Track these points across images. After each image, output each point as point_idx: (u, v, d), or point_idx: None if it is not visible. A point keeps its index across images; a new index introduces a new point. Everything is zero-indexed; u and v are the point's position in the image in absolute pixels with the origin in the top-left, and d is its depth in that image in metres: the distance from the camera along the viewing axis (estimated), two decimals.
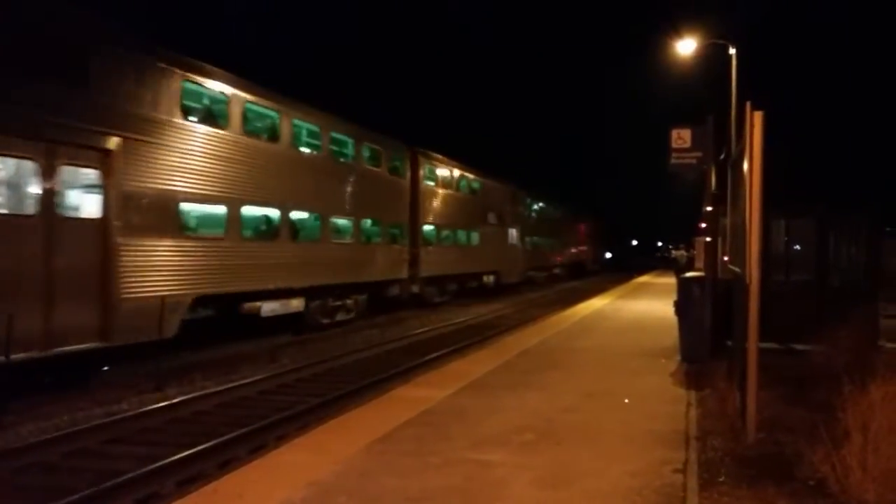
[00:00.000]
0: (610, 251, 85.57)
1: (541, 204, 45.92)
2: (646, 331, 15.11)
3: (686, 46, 22.14)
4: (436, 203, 26.58)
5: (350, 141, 20.13)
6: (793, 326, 10.18)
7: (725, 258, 11.71)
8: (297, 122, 17.28)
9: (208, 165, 13.76)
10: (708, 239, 12.56)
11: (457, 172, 29.26)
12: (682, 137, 11.78)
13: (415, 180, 24.65)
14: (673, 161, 11.80)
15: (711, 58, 22.50)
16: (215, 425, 9.22)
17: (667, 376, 9.78)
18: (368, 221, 21.04)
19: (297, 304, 16.90)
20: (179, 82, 12.97)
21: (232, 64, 14.95)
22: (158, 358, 12.81)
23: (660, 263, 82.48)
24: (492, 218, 32.99)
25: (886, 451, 4.57)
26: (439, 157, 27.35)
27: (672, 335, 11.75)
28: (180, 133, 12.94)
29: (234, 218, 14.47)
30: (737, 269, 7.42)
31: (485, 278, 32.30)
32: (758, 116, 6.07)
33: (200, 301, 13.48)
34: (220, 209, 14.23)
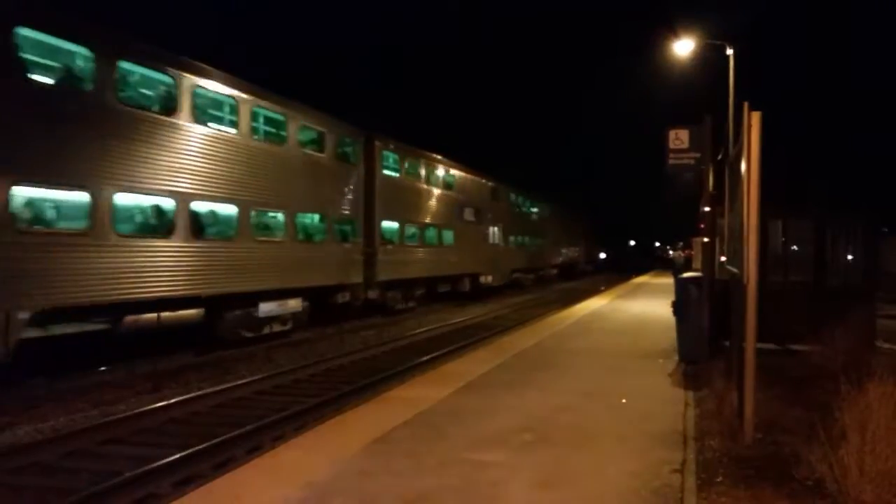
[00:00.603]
0: (605, 251, 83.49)
1: (527, 201, 42.90)
2: (643, 331, 15.12)
3: (684, 47, 22.17)
4: (398, 196, 23.16)
5: (281, 119, 16.81)
6: (790, 327, 10.19)
7: (723, 258, 11.71)
8: (202, 90, 14.02)
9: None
10: (705, 239, 12.55)
11: (426, 163, 25.83)
12: (679, 138, 11.78)
13: (371, 170, 21.14)
14: (670, 161, 11.79)
15: (709, 58, 22.53)
16: (212, 426, 9.21)
17: (664, 376, 9.78)
18: (308, 216, 18.19)
19: (193, 314, 13.54)
20: None
21: None
22: (155, 359, 12.81)
23: (657, 264, 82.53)
24: (469, 214, 29.76)
25: (884, 451, 4.57)
26: (403, 145, 24.03)
27: (670, 335, 11.76)
28: None
29: (102, 208, 11.35)
30: (734, 270, 7.42)
31: (462, 281, 29.27)
32: (755, 117, 6.07)
33: (49, 314, 10.62)
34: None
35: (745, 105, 6.19)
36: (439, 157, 27.19)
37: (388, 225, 22.36)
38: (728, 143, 13.14)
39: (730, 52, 21.46)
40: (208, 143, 14.04)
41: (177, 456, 7.57)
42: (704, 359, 9.97)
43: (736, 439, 6.23)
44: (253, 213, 15.30)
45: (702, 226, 17.85)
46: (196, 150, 13.66)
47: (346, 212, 19.76)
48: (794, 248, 12.31)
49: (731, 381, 7.28)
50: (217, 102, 15.24)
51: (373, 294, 21.09)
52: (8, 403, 9.96)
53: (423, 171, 25.53)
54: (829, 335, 8.84)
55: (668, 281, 34.35)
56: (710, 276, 10.76)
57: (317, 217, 18.50)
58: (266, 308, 15.92)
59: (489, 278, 32.24)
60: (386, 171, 22.40)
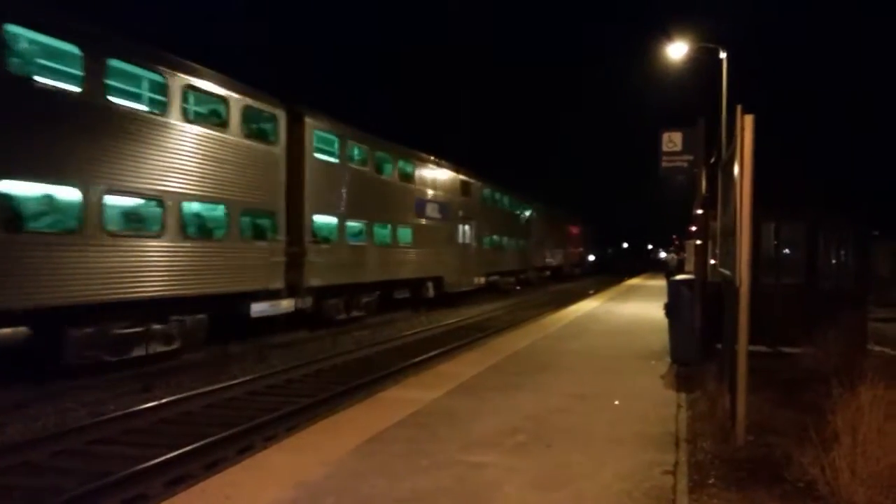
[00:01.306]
0: (594, 254, 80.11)
1: (505, 198, 38.80)
2: (636, 333, 15.14)
3: (677, 50, 22.24)
4: (338, 187, 19.48)
5: (157, 80, 13.26)
6: (782, 329, 10.21)
7: (712, 261, 11.74)
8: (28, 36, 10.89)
9: None
10: (698, 242, 12.58)
11: (377, 149, 22.15)
12: (672, 140, 11.80)
13: (298, 152, 17.32)
14: (664, 164, 11.82)
15: (703, 61, 22.60)
16: (203, 426, 9.18)
17: (657, 378, 9.79)
18: (202, 206, 14.43)
19: (8, 334, 10.14)
20: None
21: None
22: (146, 359, 12.75)
23: (649, 266, 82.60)
24: (433, 211, 26.01)
25: (875, 453, 4.59)
26: (346, 125, 20.17)
27: (662, 337, 11.78)
28: None
29: None
30: (727, 272, 7.44)
31: (424, 286, 25.72)
32: (748, 119, 6.08)
33: None
34: None
35: (738, 108, 6.21)
36: (395, 143, 23.80)
37: (324, 220, 18.90)
38: (721, 146, 13.17)
39: (723, 55, 21.53)
40: (29, 99, 10.63)
41: (168, 456, 7.54)
42: (697, 361, 9.98)
43: (728, 441, 6.23)
44: (108, 199, 11.75)
45: (694, 228, 17.90)
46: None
47: (261, 203, 15.91)
48: (787, 251, 12.35)
49: (724, 383, 7.29)
50: (49, 51, 11.55)
51: (302, 303, 17.42)
52: (2, 401, 9.92)
53: (372, 159, 21.86)
54: (821, 338, 8.87)
55: (660, 283, 34.41)
56: (702, 278, 10.78)
57: (218, 208, 14.67)
58: (138, 324, 12.58)
59: (458, 282, 28.62)
60: (320, 156, 18.68)
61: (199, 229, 14.36)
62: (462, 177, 30.00)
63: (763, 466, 5.59)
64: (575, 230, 63.36)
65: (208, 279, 14.03)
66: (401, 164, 23.99)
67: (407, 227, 24.00)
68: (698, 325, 10.17)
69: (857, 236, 11.37)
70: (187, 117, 13.87)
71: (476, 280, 31.29)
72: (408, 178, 24.49)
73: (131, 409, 9.72)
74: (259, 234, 16.21)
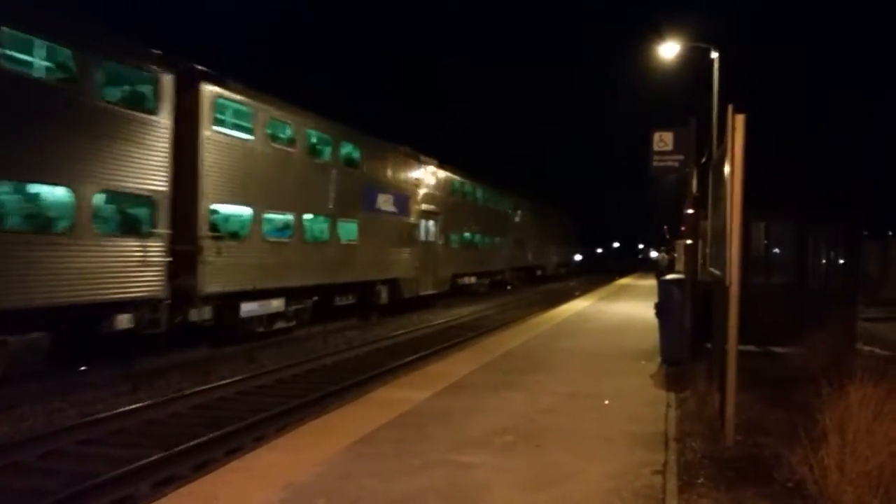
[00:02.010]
0: (582, 253, 77.82)
1: (479, 191, 34.99)
2: (627, 332, 15.17)
3: (669, 50, 22.26)
4: (252, 170, 15.72)
5: None
6: (772, 329, 10.25)
7: (700, 261, 11.78)
8: None
9: None
10: (689, 241, 12.61)
11: (311, 127, 18.41)
12: (663, 140, 11.83)
13: (190, 125, 13.85)
14: (654, 164, 11.84)
15: (694, 61, 22.65)
16: (192, 427, 9.13)
17: (647, 378, 9.81)
18: (33, 188, 11.37)
19: None
20: None
21: None
22: (135, 359, 12.68)
23: (639, 266, 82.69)
24: (386, 203, 22.50)
25: (864, 452, 4.59)
26: (262, 94, 16.41)
27: (653, 337, 11.79)
28: None
29: None
30: (717, 272, 7.45)
31: (374, 290, 22.14)
32: (739, 119, 6.09)
33: None
34: None
35: (730, 107, 6.22)
36: (336, 122, 20.10)
37: (231, 211, 15.66)
38: (712, 146, 13.20)
39: (714, 55, 21.58)
40: None
41: (156, 457, 7.50)
42: (687, 360, 10.00)
43: (717, 441, 6.25)
44: None
45: (684, 228, 17.96)
46: None
47: (132, 186, 12.42)
48: (776, 250, 12.39)
49: (713, 382, 7.30)
50: None
51: (197, 314, 13.97)
52: None
53: (304, 138, 18.04)
54: (811, 338, 8.90)
55: (651, 283, 34.51)
56: (692, 277, 10.80)
57: (57, 192, 11.32)
58: None
59: (418, 285, 25.07)
60: (226, 131, 15.38)
61: (27, 219, 11.02)
62: (426, 166, 26.26)
63: (752, 466, 5.60)
64: (561, 228, 60.67)
65: (40, 287, 10.54)
66: (344, 146, 20.30)
67: (352, 221, 20.28)
68: (688, 324, 10.20)
69: (846, 236, 11.41)
70: (10, 69, 10.57)
71: (442, 282, 27.71)
72: (353, 163, 20.80)
73: (120, 410, 9.65)
74: (130, 226, 12.79)
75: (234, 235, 15.54)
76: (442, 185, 28.51)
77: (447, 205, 28.85)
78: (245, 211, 15.79)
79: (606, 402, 8.18)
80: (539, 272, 50.13)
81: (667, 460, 5.83)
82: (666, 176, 13.66)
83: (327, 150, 19.60)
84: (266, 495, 4.97)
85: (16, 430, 8.94)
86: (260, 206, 15.99)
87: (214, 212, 14.81)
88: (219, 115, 15.26)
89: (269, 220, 16.79)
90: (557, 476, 5.44)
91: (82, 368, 12.09)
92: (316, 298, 18.79)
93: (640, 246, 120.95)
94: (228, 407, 10.47)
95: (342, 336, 18.47)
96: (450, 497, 4.97)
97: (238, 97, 15.58)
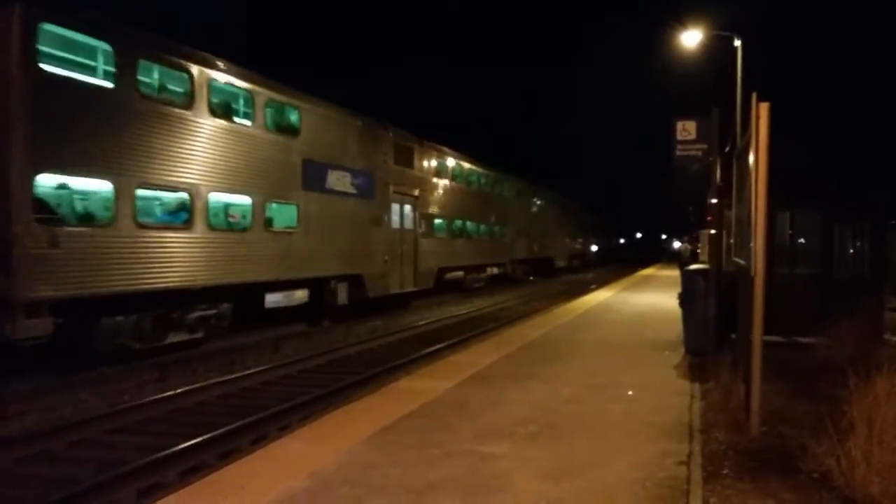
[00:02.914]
0: (599, 244, 72.38)
1: (472, 171, 29.99)
2: (649, 323, 15.09)
3: (691, 38, 22.06)
4: (117, 132, 11.54)
5: None
6: (797, 319, 10.15)
7: (724, 251, 11.68)
8: None
9: None
10: (713, 231, 12.51)
11: (210, 77, 13.66)
12: (686, 129, 11.73)
13: (3, 63, 9.99)
14: (678, 153, 11.74)
15: (718, 49, 22.41)
16: (218, 416, 9.24)
17: (671, 369, 9.76)
18: None
19: None
20: None
21: None
22: (162, 349, 12.84)
23: (662, 256, 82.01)
24: (341, 181, 18.09)
25: (891, 444, 4.55)
26: (142, 32, 12.34)
27: (676, 328, 11.72)
28: None
29: None
30: (742, 262, 7.39)
31: (327, 288, 17.84)
32: (763, 108, 6.02)
33: None
34: None
35: (753, 95, 6.15)
36: (258, 75, 15.39)
37: (78, 186, 11.51)
38: (736, 135, 13.07)
39: (737, 43, 21.33)
40: None
41: (183, 446, 7.60)
42: (711, 351, 9.94)
43: (742, 432, 6.21)
44: None
45: (709, 218, 17.80)
46: None
47: None
48: (802, 240, 12.25)
49: (738, 373, 7.26)
50: None
51: (23, 329, 9.93)
52: (15, 392, 10.00)
53: (206, 93, 13.53)
54: (837, 328, 8.81)
55: (674, 273, 34.26)
56: (716, 268, 10.72)
57: None
58: None
59: (388, 281, 20.88)
60: (68, 75, 11.29)
61: None
62: (401, 141, 21.85)
63: (777, 457, 5.56)
64: (575, 217, 56.03)
65: None
66: (273, 108, 15.89)
67: (289, 203, 16.18)
68: (712, 315, 10.13)
69: (872, 225, 11.26)
70: None
71: (423, 277, 23.46)
72: (289, 130, 16.44)
73: (147, 399, 9.80)
74: None
75: (87, 219, 11.46)
76: (424, 165, 24.05)
77: (431, 187, 24.68)
78: (102, 187, 11.52)
79: (630, 392, 8.16)
80: (550, 265, 45.73)
81: (691, 451, 5.80)
82: (689, 165, 13.53)
83: (247, 111, 15.30)
84: (291, 483, 5.02)
85: (45, 419, 9.10)
86: (130, 179, 11.68)
87: (37, 186, 10.35)
88: (57, 51, 11.47)
89: (150, 200, 12.90)
90: (580, 466, 5.44)
91: (108, 360, 12.25)
92: (228, 304, 14.46)
93: (664, 236, 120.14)
94: (253, 396, 10.59)
95: (365, 326, 18.55)
96: (472, 487, 4.99)
97: (91, 29, 11.46)
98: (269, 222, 15.58)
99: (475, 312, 22.93)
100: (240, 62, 14.82)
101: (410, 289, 22.68)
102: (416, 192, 23.21)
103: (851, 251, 11.67)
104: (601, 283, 33.91)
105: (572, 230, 55.23)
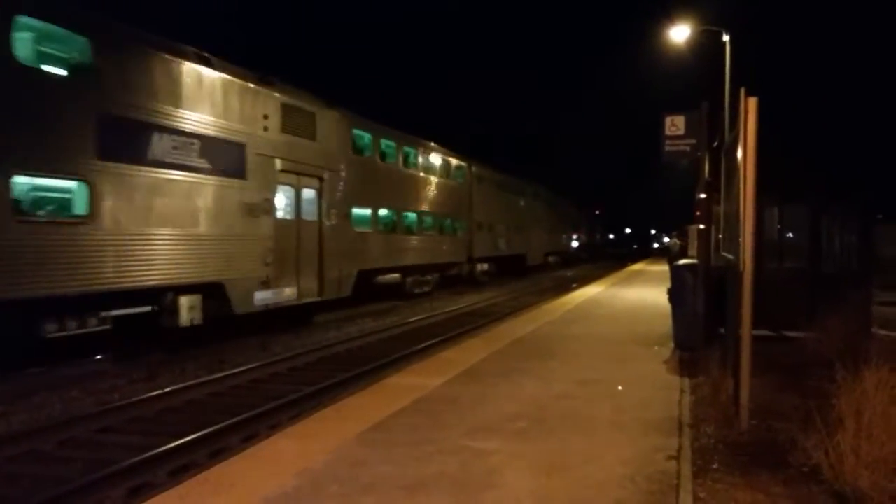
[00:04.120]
0: (585, 239, 68.49)
1: (408, 152, 24.48)
2: (639, 318, 15.13)
3: (680, 33, 22.11)
4: None
5: None
6: (786, 313, 10.19)
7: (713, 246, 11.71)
8: None
9: None
10: (701, 226, 12.54)
11: None
12: (675, 124, 11.75)
13: None
14: (666, 148, 11.77)
15: (706, 44, 22.47)
16: (207, 414, 9.20)
17: (660, 364, 9.79)
18: None
19: None
20: None
21: None
22: (151, 347, 12.77)
23: (650, 252, 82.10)
24: (175, 151, 12.87)
25: (880, 437, 4.58)
26: None
27: (665, 322, 11.76)
28: None
29: None
30: (730, 257, 7.41)
31: (166, 304, 12.87)
32: (752, 103, 6.03)
33: None
34: None
35: (742, 90, 6.16)
36: None
37: None
38: (725, 130, 13.11)
39: (726, 38, 21.39)
40: None
41: (172, 445, 7.56)
42: (700, 346, 9.96)
43: (731, 426, 6.23)
44: None
45: (697, 213, 17.85)
46: None
47: None
48: (790, 234, 12.30)
49: (727, 367, 7.28)
50: None
51: None
52: (3, 392, 9.93)
53: None
54: (825, 322, 8.84)
55: (663, 268, 34.36)
56: (705, 263, 10.75)
57: None
58: None
59: (276, 290, 15.62)
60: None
61: None
62: (287, 99, 16.25)
63: (767, 451, 5.59)
64: (551, 209, 50.78)
65: None
66: (29, 29, 10.60)
67: (69, 178, 11.07)
68: (702, 310, 10.16)
69: (860, 219, 11.32)
70: None
71: (335, 283, 18.21)
72: (72, 67, 11.31)
73: (136, 398, 9.74)
74: None
75: None
76: (335, 137, 18.47)
77: (348, 168, 19.19)
78: None
79: (619, 388, 8.18)
80: (521, 263, 40.79)
81: (681, 445, 5.82)
82: (678, 160, 13.57)
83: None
84: (281, 482, 5.00)
85: (34, 418, 9.04)
86: None
87: None
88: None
89: None
90: (571, 462, 5.44)
91: (97, 357, 12.18)
92: None
93: (653, 232, 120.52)
94: (243, 395, 10.55)
95: (355, 324, 18.51)
96: (463, 483, 4.99)
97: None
98: (26, 208, 10.42)
99: (467, 309, 22.92)
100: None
101: (312, 299, 17.19)
102: (323, 174, 17.65)
103: (839, 245, 11.72)
104: (591, 280, 33.78)
105: (549, 223, 49.81)
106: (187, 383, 10.75)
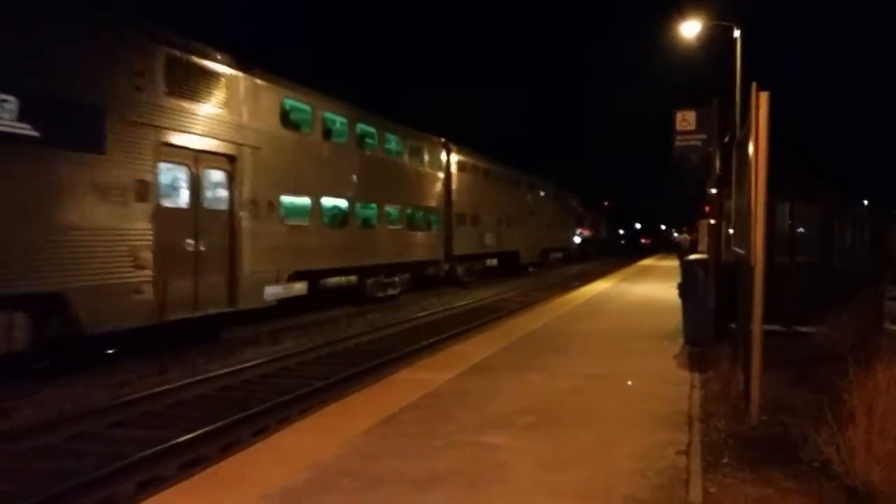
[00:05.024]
0: (585, 235, 63.01)
1: (359, 123, 19.93)
2: (649, 313, 15.09)
3: (690, 28, 21.97)
4: None
5: None
6: (797, 309, 10.14)
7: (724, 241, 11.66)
8: None
9: None
10: (712, 221, 12.50)
11: None
12: (686, 119, 11.72)
13: None
14: (677, 143, 11.74)
15: (717, 39, 22.34)
16: (218, 408, 9.22)
17: (670, 359, 9.76)
18: None
19: None
20: None
21: None
22: (161, 342, 12.82)
23: (660, 247, 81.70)
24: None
25: (892, 433, 4.55)
26: None
27: (675, 318, 11.72)
28: None
29: None
30: (741, 252, 7.38)
31: None
32: (763, 97, 6.00)
33: None
34: None
35: (753, 85, 6.13)
36: None
37: None
38: (735, 125, 13.04)
39: (737, 33, 21.25)
40: None
41: (182, 438, 7.60)
42: (710, 341, 9.93)
43: (741, 421, 6.21)
44: None
45: (708, 208, 17.79)
46: None
47: None
48: (801, 230, 12.24)
49: (737, 363, 7.26)
50: None
51: None
52: (15, 386, 9.99)
53: None
54: (837, 317, 8.80)
55: (673, 264, 34.22)
56: (716, 258, 10.71)
57: None
58: None
59: (162, 302, 11.74)
60: None
61: None
62: (176, 52, 12.61)
63: (777, 446, 5.56)
64: (549, 201, 45.91)
65: None
66: None
67: None
68: (712, 305, 10.12)
69: (872, 215, 11.26)
70: None
71: (248, 290, 14.23)
72: None
73: (147, 392, 9.79)
74: None
75: None
76: (256, 108, 14.77)
77: (275, 147, 15.45)
78: None
79: (629, 382, 8.16)
80: (514, 261, 36.45)
81: (691, 440, 5.80)
82: (688, 156, 13.52)
83: None
84: (291, 475, 5.01)
85: (44, 413, 9.08)
86: None
87: None
88: None
89: None
90: (580, 456, 5.44)
91: (109, 352, 12.24)
92: None
93: (663, 227, 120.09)
94: (253, 389, 10.58)
95: (365, 319, 18.53)
96: (472, 477, 4.99)
97: None
98: None
99: (475, 304, 22.92)
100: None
101: (217, 309, 13.45)
102: (236, 151, 13.97)
103: (851, 240, 11.66)
104: (600, 275, 33.43)
105: (547, 217, 44.99)
106: (197, 378, 10.77)
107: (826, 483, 4.78)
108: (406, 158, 23.37)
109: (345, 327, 16.98)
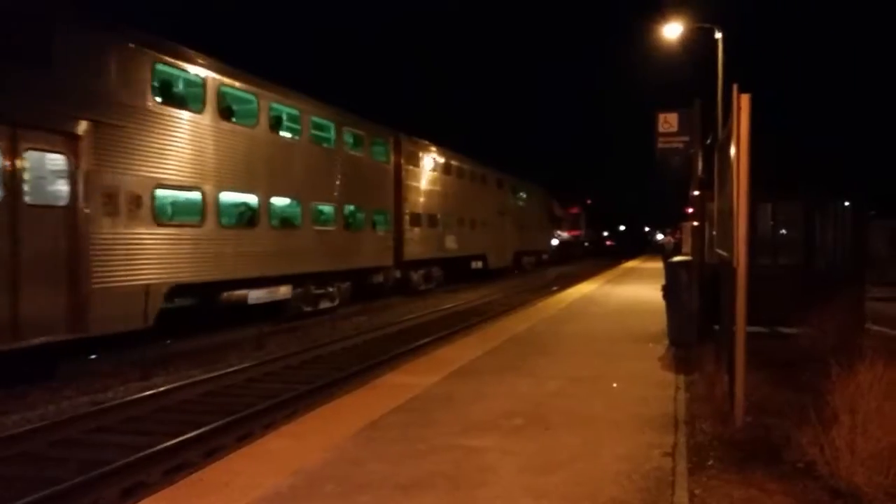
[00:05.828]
0: (564, 237, 61.88)
1: (273, 100, 16.58)
2: (633, 315, 15.14)
3: (672, 30, 22.08)
4: None
5: None
6: (779, 310, 10.21)
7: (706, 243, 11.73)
8: None
9: None
10: (695, 223, 12.57)
11: None
12: (668, 122, 11.79)
13: None
14: (660, 145, 11.81)
15: (699, 41, 22.48)
16: (202, 413, 9.16)
17: (655, 360, 9.79)
18: None
19: None
20: None
21: None
22: (144, 347, 12.72)
23: (645, 248, 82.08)
24: None
25: (875, 432, 4.58)
26: None
27: (660, 319, 11.78)
28: None
29: None
30: (724, 253, 7.42)
31: None
32: (745, 99, 6.04)
33: None
34: None
35: (735, 87, 6.16)
36: None
37: None
38: (718, 127, 13.13)
39: (718, 35, 21.39)
40: None
41: (166, 444, 7.53)
42: (694, 342, 9.99)
43: (726, 423, 6.24)
44: None
45: (691, 210, 17.89)
46: None
47: None
48: (783, 231, 12.33)
49: (721, 364, 7.30)
50: None
51: None
52: None
53: None
54: (819, 318, 8.86)
55: (657, 265, 34.39)
56: (699, 259, 10.77)
57: None
58: None
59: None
60: None
61: None
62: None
63: (762, 447, 5.59)
64: (521, 201, 43.20)
65: None
66: None
67: None
68: (696, 306, 10.18)
69: (853, 216, 11.35)
70: None
71: (105, 310, 11.16)
72: None
73: (130, 398, 9.70)
74: None
75: None
76: (112, 74, 11.67)
77: (144, 125, 12.36)
78: None
79: (614, 385, 8.18)
80: (477, 265, 33.67)
81: (676, 442, 5.82)
82: (671, 158, 13.60)
83: None
84: (276, 481, 4.98)
85: (26, 418, 8.99)
86: None
87: None
88: None
89: None
90: (566, 459, 5.44)
91: (91, 357, 12.13)
92: None
93: (647, 229, 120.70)
94: (238, 394, 10.51)
95: (350, 322, 18.48)
96: (458, 481, 4.98)
97: None
98: None
99: (461, 307, 22.92)
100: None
101: (47, 338, 10.27)
102: (78, 128, 10.80)
103: (833, 242, 11.75)
104: (585, 276, 33.55)
105: (521, 218, 42.22)
106: (181, 382, 10.68)
107: (811, 484, 4.81)
108: (342, 148, 20.23)
109: (329, 331, 16.90)
